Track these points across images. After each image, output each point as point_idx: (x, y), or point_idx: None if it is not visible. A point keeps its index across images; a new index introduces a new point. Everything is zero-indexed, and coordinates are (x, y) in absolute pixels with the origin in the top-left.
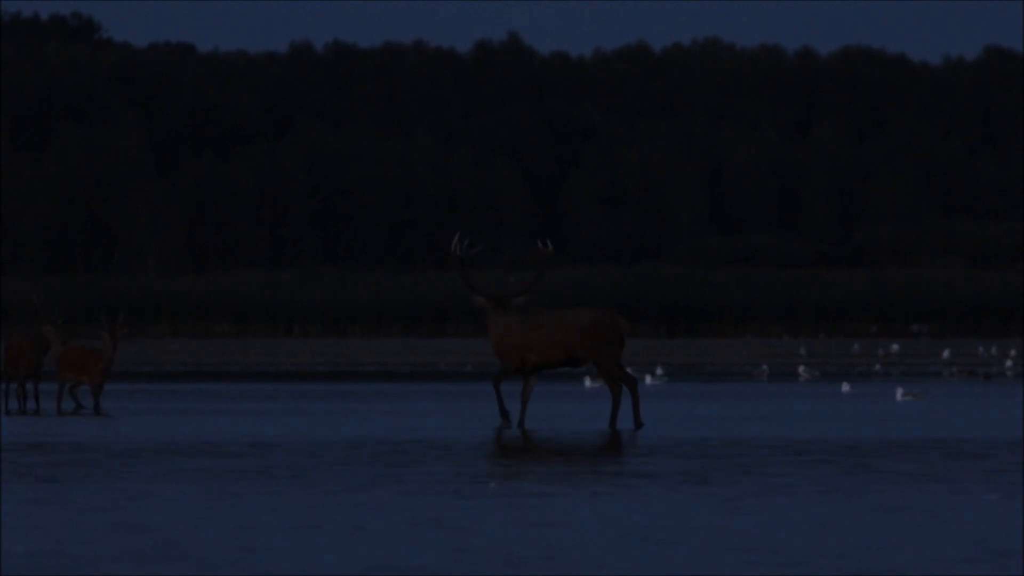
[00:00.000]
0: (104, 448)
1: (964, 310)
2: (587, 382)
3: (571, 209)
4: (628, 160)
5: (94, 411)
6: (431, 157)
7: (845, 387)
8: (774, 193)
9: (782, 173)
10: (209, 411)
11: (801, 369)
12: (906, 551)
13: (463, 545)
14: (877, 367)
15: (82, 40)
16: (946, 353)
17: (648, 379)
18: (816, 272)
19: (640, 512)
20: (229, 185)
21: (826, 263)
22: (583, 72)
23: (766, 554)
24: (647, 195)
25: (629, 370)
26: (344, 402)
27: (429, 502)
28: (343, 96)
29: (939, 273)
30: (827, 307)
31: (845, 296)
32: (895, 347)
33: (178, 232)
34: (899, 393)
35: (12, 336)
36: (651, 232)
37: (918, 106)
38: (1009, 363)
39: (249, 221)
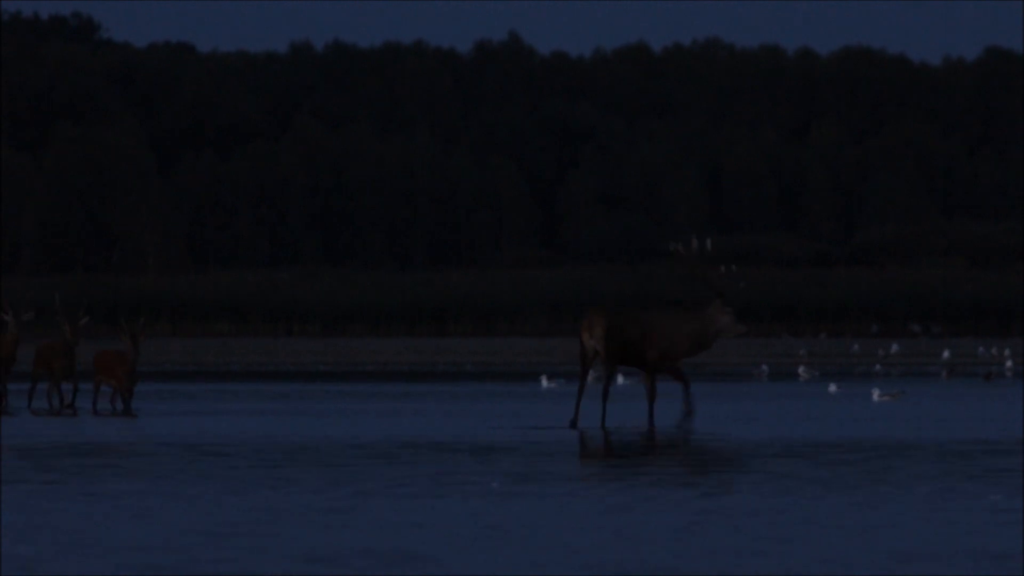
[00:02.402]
0: (95, 448)
1: (964, 310)
2: (544, 382)
3: (571, 209)
4: (628, 160)
5: (124, 412)
6: (431, 157)
7: (832, 388)
8: (774, 193)
9: (782, 173)
10: (209, 411)
11: (801, 369)
12: (900, 551)
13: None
14: (877, 367)
15: (82, 40)
16: (946, 353)
17: (620, 379)
18: (816, 272)
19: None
20: (229, 185)
21: (826, 263)
22: (583, 72)
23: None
24: (647, 195)
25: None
26: (344, 402)
27: (383, 504)
28: (343, 96)
29: (939, 273)
30: (827, 307)
31: (845, 296)
32: (895, 347)
33: (178, 232)
34: (876, 394)
35: (44, 339)
36: (651, 232)
37: (918, 106)
38: (1009, 363)
39: (249, 221)
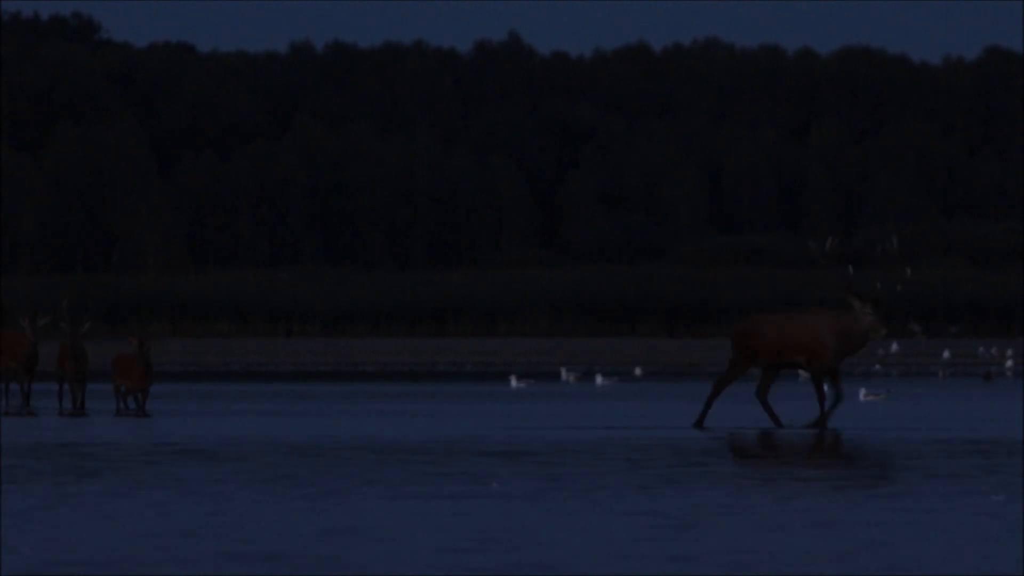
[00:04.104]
0: (91, 449)
1: (964, 310)
2: (513, 382)
3: (571, 209)
4: (628, 160)
5: (139, 412)
6: (431, 157)
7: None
8: (774, 193)
9: (782, 173)
10: (208, 412)
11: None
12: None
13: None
14: (877, 367)
15: (82, 40)
16: (946, 353)
17: (599, 379)
18: (816, 272)
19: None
20: (229, 185)
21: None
22: (583, 72)
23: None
24: (647, 195)
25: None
26: (344, 402)
27: (377, 504)
28: (343, 96)
29: (939, 273)
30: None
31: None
32: (895, 347)
33: (178, 232)
34: (862, 394)
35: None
36: (651, 232)
37: (918, 106)
38: (1009, 363)
39: (249, 221)
